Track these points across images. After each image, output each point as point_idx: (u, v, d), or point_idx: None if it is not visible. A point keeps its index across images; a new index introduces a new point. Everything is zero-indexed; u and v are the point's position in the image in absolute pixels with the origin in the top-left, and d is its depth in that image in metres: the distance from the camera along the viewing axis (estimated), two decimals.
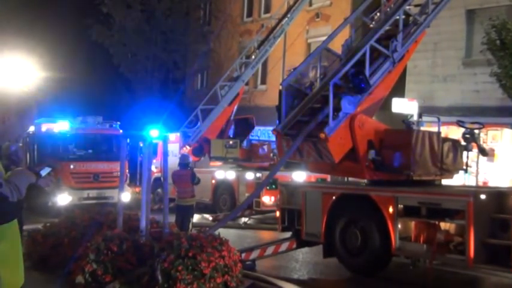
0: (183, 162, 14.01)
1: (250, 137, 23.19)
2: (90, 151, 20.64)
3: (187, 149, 19.85)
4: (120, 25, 31.10)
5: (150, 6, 31.12)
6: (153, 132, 10.58)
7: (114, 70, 32.07)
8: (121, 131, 21.05)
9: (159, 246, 8.64)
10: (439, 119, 12.01)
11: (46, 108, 29.16)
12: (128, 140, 15.97)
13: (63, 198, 19.00)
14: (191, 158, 15.30)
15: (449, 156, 11.05)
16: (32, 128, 21.29)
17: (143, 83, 31.93)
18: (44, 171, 3.54)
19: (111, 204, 17.11)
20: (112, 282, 8.64)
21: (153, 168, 18.89)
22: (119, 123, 21.59)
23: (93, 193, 19.86)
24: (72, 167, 19.74)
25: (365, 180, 11.32)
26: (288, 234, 11.96)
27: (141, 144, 11.25)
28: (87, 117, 21.08)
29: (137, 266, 8.75)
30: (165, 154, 10.75)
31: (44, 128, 20.85)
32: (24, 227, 10.74)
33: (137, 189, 19.59)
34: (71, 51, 32.82)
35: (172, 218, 12.76)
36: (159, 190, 21.10)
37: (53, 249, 10.39)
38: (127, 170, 18.83)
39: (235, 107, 21.04)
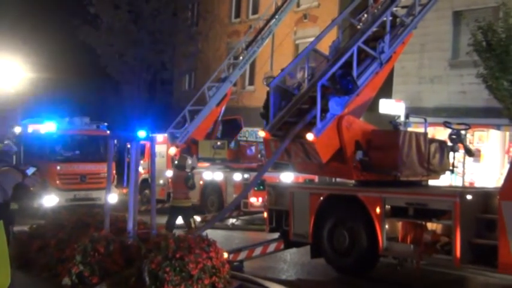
0: (179, 164, 13.97)
1: (238, 138, 23.16)
2: (77, 152, 20.54)
3: (175, 150, 19.80)
4: (107, 25, 30.96)
5: (137, 7, 30.99)
6: (141, 133, 10.54)
7: (102, 71, 31.92)
8: (108, 131, 20.96)
9: (146, 247, 8.62)
10: (425, 120, 12.08)
11: (33, 109, 29.05)
12: (115, 141, 15.90)
13: (50, 200, 18.88)
14: (190, 160, 15.26)
15: (436, 156, 11.11)
16: (18, 129, 21.19)
17: (131, 84, 31.78)
18: (30, 171, 3.54)
19: (98, 206, 17.04)
20: (99, 283, 8.62)
21: (140, 169, 18.81)
22: (106, 124, 21.50)
23: (80, 194, 19.76)
24: (59, 168, 19.64)
25: (352, 181, 11.35)
26: (276, 235, 11.96)
27: (129, 145, 11.21)
28: (74, 118, 20.97)
29: (124, 267, 8.72)
30: (153, 155, 10.73)
31: (31, 128, 20.72)
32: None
33: (124, 191, 19.49)
34: (58, 51, 32.68)
35: (162, 219, 12.74)
36: (147, 191, 21.05)
37: (39, 251, 10.33)
38: (114, 171, 18.75)
39: (223, 108, 21.00)
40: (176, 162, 14.09)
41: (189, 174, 13.77)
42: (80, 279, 8.71)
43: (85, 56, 32.78)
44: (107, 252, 8.91)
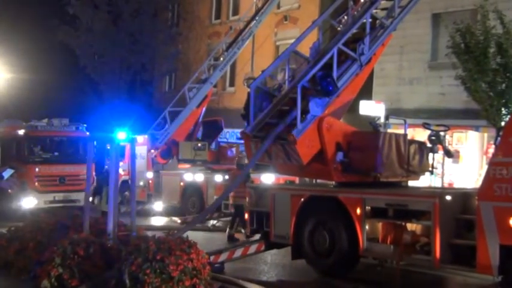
0: (239, 163, 15.21)
1: (219, 139, 23.13)
2: (56, 154, 20.37)
3: (154, 152, 19.73)
4: (86, 26, 30.72)
5: (117, 8, 30.80)
6: (121, 135, 10.47)
7: (81, 71, 31.68)
8: (88, 133, 20.83)
9: (126, 249, 8.56)
10: (405, 121, 12.17)
11: (10, 110, 28.74)
12: (95, 143, 15.83)
13: (28, 202, 18.69)
14: (246, 160, 15.46)
15: (415, 158, 11.19)
16: None
17: (110, 85, 31.57)
18: (6, 174, 3.47)
19: (77, 208, 16.91)
20: (79, 286, 8.53)
21: (120, 171, 18.70)
22: (85, 125, 21.35)
23: (59, 196, 19.62)
24: (37, 169, 19.45)
25: (333, 182, 11.39)
26: (257, 237, 11.96)
27: (109, 147, 11.15)
28: (53, 119, 20.78)
29: (104, 269, 8.65)
30: (133, 156, 10.67)
31: (9, 130, 20.49)
32: None
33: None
34: (37, 51, 32.38)
35: (139, 221, 12.68)
36: (127, 193, 20.91)
37: (17, 254, 10.21)
38: (94, 173, 18.62)
39: (204, 109, 20.98)
40: (236, 161, 14.59)
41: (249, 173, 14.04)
42: (59, 282, 8.62)
43: (64, 56, 32.52)
44: (86, 255, 8.83)
